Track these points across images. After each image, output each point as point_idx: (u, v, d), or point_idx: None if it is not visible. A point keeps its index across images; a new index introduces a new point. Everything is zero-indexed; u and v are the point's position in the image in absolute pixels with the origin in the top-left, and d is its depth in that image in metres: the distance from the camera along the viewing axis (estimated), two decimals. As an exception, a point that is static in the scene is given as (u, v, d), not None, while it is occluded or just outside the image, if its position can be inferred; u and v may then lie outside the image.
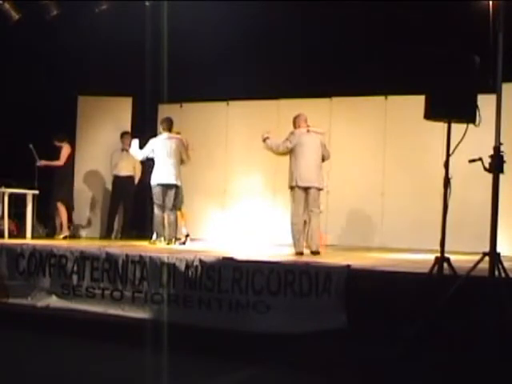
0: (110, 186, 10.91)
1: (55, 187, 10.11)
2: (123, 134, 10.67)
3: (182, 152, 9.27)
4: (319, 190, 8.00)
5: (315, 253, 7.82)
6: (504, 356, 4.55)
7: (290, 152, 7.97)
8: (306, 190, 7.90)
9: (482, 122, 5.11)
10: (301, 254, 7.81)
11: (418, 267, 6.14)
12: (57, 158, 10.13)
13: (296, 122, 8.16)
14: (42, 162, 9.94)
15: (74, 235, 10.43)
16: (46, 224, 10.53)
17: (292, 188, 7.95)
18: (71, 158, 10.32)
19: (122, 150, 10.61)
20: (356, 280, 5.51)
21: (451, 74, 5.09)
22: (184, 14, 9.14)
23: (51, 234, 10.30)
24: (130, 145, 9.96)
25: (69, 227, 10.20)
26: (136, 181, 10.74)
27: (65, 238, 9.92)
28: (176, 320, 5.76)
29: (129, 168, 10.63)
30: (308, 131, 8.03)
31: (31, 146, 9.91)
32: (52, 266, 6.51)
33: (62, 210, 10.06)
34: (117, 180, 10.67)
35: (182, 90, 10.13)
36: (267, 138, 8.18)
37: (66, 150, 10.17)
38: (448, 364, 4.64)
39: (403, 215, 9.78)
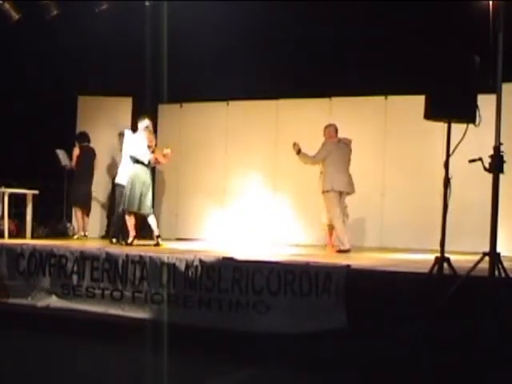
0: (109, 187, 10.92)
1: (72, 190, 10.33)
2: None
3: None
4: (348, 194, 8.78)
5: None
6: (504, 356, 4.55)
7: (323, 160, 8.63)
8: (340, 194, 8.65)
9: (481, 121, 5.11)
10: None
11: (418, 267, 6.14)
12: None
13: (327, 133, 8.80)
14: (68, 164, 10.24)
15: (69, 235, 10.48)
16: (46, 224, 10.54)
17: (327, 191, 8.57)
18: (82, 159, 10.32)
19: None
20: (356, 280, 5.51)
21: (451, 73, 5.09)
22: (184, 14, 9.14)
23: (57, 233, 10.35)
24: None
25: (81, 230, 10.26)
26: None
27: (78, 238, 10.00)
28: (176, 320, 5.76)
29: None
30: (339, 141, 8.72)
31: (58, 151, 10.17)
32: (52, 266, 6.50)
33: (78, 214, 10.21)
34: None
35: (182, 90, 10.13)
36: (300, 149, 8.66)
37: (74, 153, 10.30)
38: (448, 364, 4.64)
39: (403, 215, 9.77)
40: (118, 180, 9.12)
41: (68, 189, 10.48)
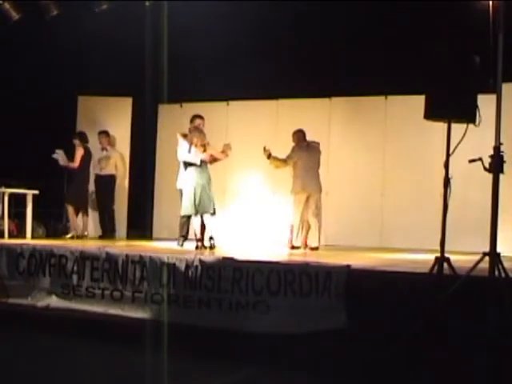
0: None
1: (68, 188, 10.30)
2: (100, 134, 10.73)
3: None
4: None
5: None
6: (504, 356, 4.55)
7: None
8: (310, 195, 8.94)
9: (481, 121, 5.11)
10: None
11: (417, 267, 6.15)
12: (73, 159, 10.32)
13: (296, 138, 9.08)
14: (68, 164, 10.12)
15: (82, 236, 10.47)
16: (46, 224, 10.55)
17: (297, 193, 8.93)
18: (85, 160, 10.33)
19: (102, 149, 10.69)
20: (356, 280, 5.51)
21: (451, 73, 5.10)
22: (184, 14, 9.14)
23: (57, 233, 10.36)
24: (108, 143, 10.62)
25: (75, 228, 10.24)
26: (118, 180, 10.86)
27: (72, 238, 9.98)
28: (176, 320, 5.75)
29: (110, 167, 10.70)
30: (308, 145, 9.02)
31: (57, 152, 10.10)
32: (52, 266, 6.50)
33: (70, 211, 10.14)
34: (98, 179, 10.75)
35: (182, 90, 10.13)
36: (270, 153, 8.92)
37: (79, 153, 10.26)
38: (448, 364, 4.64)
39: (403, 215, 9.77)
40: (178, 185, 8.92)
41: (68, 188, 10.48)
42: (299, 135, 9.08)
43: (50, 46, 10.16)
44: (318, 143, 9.12)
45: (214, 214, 8.51)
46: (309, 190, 8.88)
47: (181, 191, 8.74)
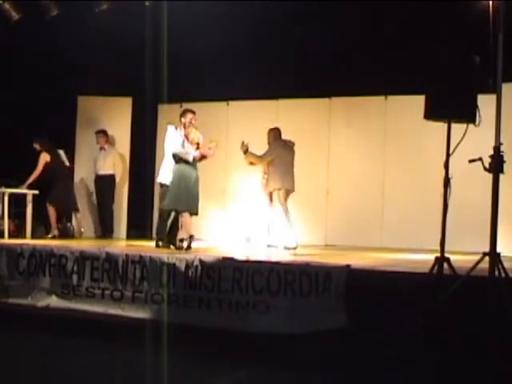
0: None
1: (47, 190, 10.07)
2: (97, 133, 10.71)
3: None
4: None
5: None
6: (504, 356, 4.55)
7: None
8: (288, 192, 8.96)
9: (481, 121, 5.11)
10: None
11: (417, 267, 6.15)
12: (69, 160, 10.29)
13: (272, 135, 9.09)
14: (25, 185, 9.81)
15: (70, 235, 10.43)
16: (46, 224, 10.55)
17: (279, 189, 8.89)
18: (53, 164, 10.02)
19: (100, 148, 10.68)
20: (356, 280, 5.51)
21: (451, 73, 5.09)
22: (184, 14, 9.14)
23: (65, 234, 10.36)
24: (105, 142, 10.59)
25: (58, 228, 10.17)
26: (117, 179, 10.85)
27: (53, 237, 9.86)
28: (176, 320, 5.76)
29: (108, 167, 10.69)
30: (284, 143, 9.02)
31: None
32: (52, 266, 6.50)
33: (51, 211, 9.99)
34: (97, 179, 10.75)
35: (182, 90, 10.13)
36: (247, 149, 8.88)
37: (42, 159, 9.91)
38: (448, 364, 4.64)
39: (403, 215, 9.78)
40: (160, 179, 8.65)
41: (51, 189, 10.11)
42: (275, 133, 9.08)
43: (50, 46, 10.16)
44: (293, 143, 9.11)
45: (196, 214, 8.11)
46: (287, 187, 8.89)
47: (162, 185, 8.56)
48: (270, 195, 9.03)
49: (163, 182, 8.52)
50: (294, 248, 8.78)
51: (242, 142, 8.86)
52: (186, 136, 8.14)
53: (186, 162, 8.04)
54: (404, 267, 6.37)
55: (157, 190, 11.31)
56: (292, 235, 8.90)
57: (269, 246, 9.08)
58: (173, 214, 8.35)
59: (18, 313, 6.43)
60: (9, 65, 10.35)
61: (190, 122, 8.35)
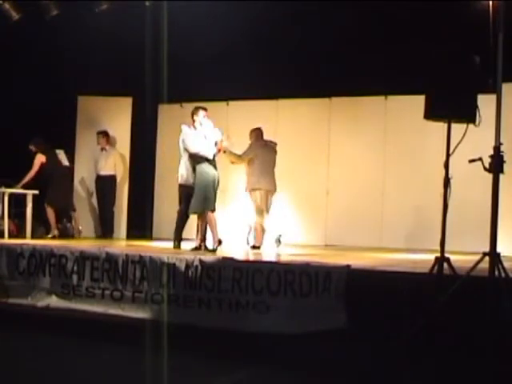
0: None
1: (45, 190, 10.06)
2: (98, 134, 10.72)
3: None
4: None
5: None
6: (504, 356, 4.55)
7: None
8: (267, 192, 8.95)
9: (481, 121, 5.11)
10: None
11: (417, 267, 6.15)
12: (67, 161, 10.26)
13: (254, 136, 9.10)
14: (19, 184, 9.80)
15: (70, 235, 10.44)
16: (46, 224, 10.56)
17: (255, 190, 8.89)
18: (49, 164, 10.03)
19: (101, 149, 10.68)
20: (356, 280, 5.51)
21: (451, 73, 5.10)
22: (184, 14, 9.14)
23: (66, 234, 10.37)
24: (106, 143, 10.57)
25: (58, 228, 10.18)
26: (118, 179, 10.85)
27: (53, 237, 9.86)
28: (176, 320, 5.76)
29: (109, 167, 10.69)
30: (265, 144, 9.05)
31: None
32: (52, 266, 6.50)
33: (50, 212, 10.01)
34: (98, 179, 10.74)
35: (182, 90, 10.13)
36: (226, 148, 8.61)
37: (37, 160, 9.93)
38: (448, 364, 4.64)
39: (403, 215, 9.78)
40: (181, 181, 8.24)
41: (48, 190, 10.11)
42: (257, 133, 9.12)
43: (50, 46, 10.16)
44: (276, 143, 9.12)
45: (214, 210, 8.02)
46: (264, 187, 8.84)
47: (182, 185, 8.21)
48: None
49: (184, 183, 8.21)
50: (259, 247, 8.80)
51: (221, 140, 8.47)
52: (205, 134, 7.98)
53: (207, 159, 7.92)
54: (404, 267, 6.37)
55: (157, 190, 11.38)
56: (261, 236, 8.88)
57: (249, 244, 9.01)
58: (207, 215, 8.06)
59: (17, 313, 6.43)
60: (9, 65, 10.35)
61: (205, 118, 8.14)
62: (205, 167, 7.93)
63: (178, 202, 8.39)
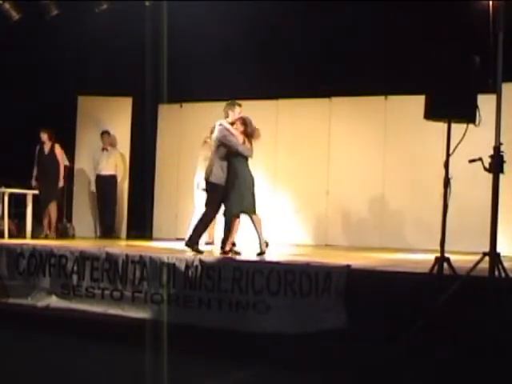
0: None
1: (50, 188, 9.94)
2: (103, 134, 10.72)
3: None
4: None
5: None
6: (504, 356, 4.55)
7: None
8: None
9: (481, 121, 5.11)
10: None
11: (418, 267, 6.15)
12: (53, 160, 9.95)
13: None
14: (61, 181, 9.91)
15: (69, 235, 10.44)
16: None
17: None
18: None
19: (103, 149, 10.69)
20: (356, 280, 5.51)
21: (451, 73, 5.10)
22: (184, 14, 9.15)
23: (66, 234, 10.39)
24: (109, 143, 10.54)
25: (58, 228, 10.19)
26: (119, 179, 10.84)
27: (45, 237, 9.78)
28: (176, 320, 5.76)
29: (110, 167, 10.69)
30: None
31: None
32: (52, 266, 6.50)
33: (53, 210, 9.97)
34: (99, 179, 10.73)
35: (182, 90, 10.13)
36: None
37: (60, 150, 10.01)
38: (448, 364, 4.64)
39: (403, 215, 9.78)
40: (213, 179, 7.53)
41: (43, 189, 10.02)
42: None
43: (50, 46, 10.16)
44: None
45: (254, 212, 7.53)
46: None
47: (215, 186, 7.52)
48: None
49: (216, 181, 7.52)
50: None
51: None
52: (245, 132, 7.54)
53: (243, 157, 7.49)
54: (404, 267, 6.37)
55: (157, 190, 11.36)
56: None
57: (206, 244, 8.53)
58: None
59: (17, 313, 6.43)
60: (9, 65, 10.35)
61: (245, 118, 7.70)
62: (246, 167, 7.52)
63: (205, 204, 7.73)
